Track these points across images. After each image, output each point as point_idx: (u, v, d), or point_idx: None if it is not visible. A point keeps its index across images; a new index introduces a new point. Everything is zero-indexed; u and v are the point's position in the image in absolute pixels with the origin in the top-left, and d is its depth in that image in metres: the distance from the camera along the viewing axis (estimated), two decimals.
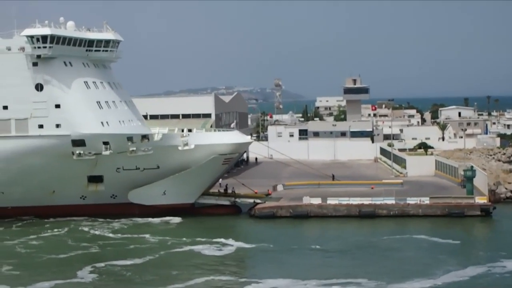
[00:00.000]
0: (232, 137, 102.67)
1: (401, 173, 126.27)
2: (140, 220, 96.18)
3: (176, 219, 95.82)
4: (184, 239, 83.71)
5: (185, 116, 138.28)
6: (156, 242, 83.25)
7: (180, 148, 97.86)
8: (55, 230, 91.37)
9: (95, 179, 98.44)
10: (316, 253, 77.45)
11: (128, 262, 73.86)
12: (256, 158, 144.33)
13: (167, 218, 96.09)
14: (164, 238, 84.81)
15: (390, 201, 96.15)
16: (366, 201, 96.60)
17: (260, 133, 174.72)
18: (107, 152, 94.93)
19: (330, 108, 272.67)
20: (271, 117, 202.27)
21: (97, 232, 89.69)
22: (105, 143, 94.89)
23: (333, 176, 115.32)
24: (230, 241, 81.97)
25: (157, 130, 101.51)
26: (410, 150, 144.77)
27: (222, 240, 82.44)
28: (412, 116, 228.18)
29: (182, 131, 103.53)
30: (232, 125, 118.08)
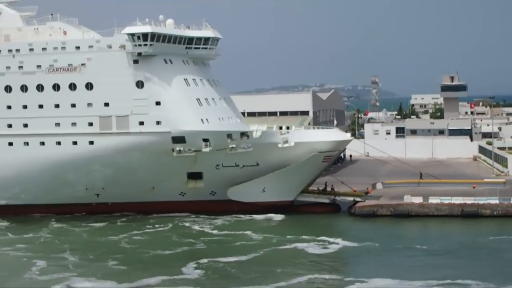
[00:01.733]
0: (332, 135, 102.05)
1: (502, 172, 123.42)
2: (242, 217, 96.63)
3: (279, 216, 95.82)
4: (288, 236, 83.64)
5: (283, 113, 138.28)
6: (260, 239, 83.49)
7: (279, 145, 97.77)
8: (159, 226, 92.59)
9: (195, 176, 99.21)
10: (421, 253, 76.23)
11: (232, 259, 74.20)
12: (350, 156, 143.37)
13: (270, 215, 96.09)
14: (268, 235, 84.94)
15: (494, 200, 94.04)
16: (468, 200, 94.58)
17: (355, 130, 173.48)
18: (207, 149, 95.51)
19: (425, 106, 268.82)
20: (367, 114, 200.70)
21: (200, 229, 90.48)
22: (205, 140, 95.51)
23: (421, 174, 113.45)
24: (334, 239, 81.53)
25: (256, 128, 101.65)
26: (510, 148, 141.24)
27: (326, 238, 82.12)
28: (511, 114, 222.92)
29: (280, 128, 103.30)
30: (334, 123, 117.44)
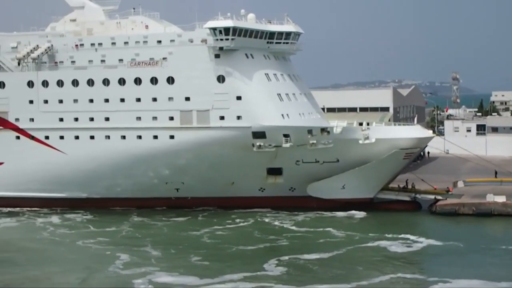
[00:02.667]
0: (414, 132, 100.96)
1: None
2: (323, 213, 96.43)
3: (360, 214, 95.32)
4: (370, 234, 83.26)
5: (363, 109, 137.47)
6: (342, 237, 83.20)
7: (360, 141, 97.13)
8: (240, 221, 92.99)
9: (274, 172, 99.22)
10: (506, 253, 75.01)
11: (313, 256, 74.04)
12: (428, 153, 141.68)
13: (352, 212, 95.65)
14: (350, 232, 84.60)
15: None
16: None
17: (434, 127, 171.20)
18: (287, 145, 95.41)
19: (506, 103, 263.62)
20: (447, 111, 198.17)
21: (281, 224, 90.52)
22: (286, 136, 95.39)
23: (496, 172, 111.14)
24: (417, 238, 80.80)
25: (336, 123, 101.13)
26: None
27: (409, 236, 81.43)
28: None
29: (360, 124, 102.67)
30: (415, 120, 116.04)
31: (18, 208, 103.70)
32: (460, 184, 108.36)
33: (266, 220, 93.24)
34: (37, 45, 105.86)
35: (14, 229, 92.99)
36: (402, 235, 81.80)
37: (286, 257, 73.74)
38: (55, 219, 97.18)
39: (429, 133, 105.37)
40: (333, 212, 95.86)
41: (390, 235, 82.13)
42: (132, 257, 74.97)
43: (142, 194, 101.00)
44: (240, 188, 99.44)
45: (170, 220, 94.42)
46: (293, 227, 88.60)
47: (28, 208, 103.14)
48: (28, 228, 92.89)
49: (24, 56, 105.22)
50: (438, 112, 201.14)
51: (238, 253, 76.87)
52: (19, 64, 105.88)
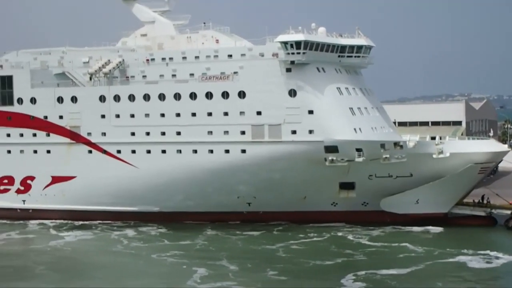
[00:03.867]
0: (489, 146, 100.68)
1: None
2: (398, 228, 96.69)
3: (437, 229, 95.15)
4: (448, 249, 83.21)
5: (435, 123, 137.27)
6: (419, 252, 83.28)
7: (434, 156, 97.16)
8: (314, 235, 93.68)
9: (347, 186, 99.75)
10: None
11: (391, 272, 74.30)
12: (496, 167, 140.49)
13: (428, 227, 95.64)
14: (427, 248, 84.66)
15: None
16: None
17: (505, 141, 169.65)
18: (360, 159, 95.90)
19: None
20: None
21: (356, 239, 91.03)
22: (358, 150, 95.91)
23: None
24: (496, 254, 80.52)
25: (408, 137, 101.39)
26: None
27: (487, 252, 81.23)
28: None
29: (433, 138, 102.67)
30: (490, 134, 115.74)
31: (88, 222, 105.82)
32: None
33: (341, 234, 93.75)
34: (109, 60, 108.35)
35: (89, 241, 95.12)
36: (481, 251, 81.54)
37: (363, 272, 74.09)
38: (129, 232, 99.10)
39: (504, 147, 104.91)
40: (409, 227, 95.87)
41: (468, 251, 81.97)
42: (209, 271, 76.04)
43: (214, 208, 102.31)
44: (312, 202, 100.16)
45: (244, 234, 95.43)
46: (369, 242, 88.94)
47: (100, 221, 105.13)
48: (103, 241, 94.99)
49: (96, 71, 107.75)
50: (509, 126, 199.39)
51: (314, 268, 77.45)
52: (90, 79, 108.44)
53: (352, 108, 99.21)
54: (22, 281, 76.32)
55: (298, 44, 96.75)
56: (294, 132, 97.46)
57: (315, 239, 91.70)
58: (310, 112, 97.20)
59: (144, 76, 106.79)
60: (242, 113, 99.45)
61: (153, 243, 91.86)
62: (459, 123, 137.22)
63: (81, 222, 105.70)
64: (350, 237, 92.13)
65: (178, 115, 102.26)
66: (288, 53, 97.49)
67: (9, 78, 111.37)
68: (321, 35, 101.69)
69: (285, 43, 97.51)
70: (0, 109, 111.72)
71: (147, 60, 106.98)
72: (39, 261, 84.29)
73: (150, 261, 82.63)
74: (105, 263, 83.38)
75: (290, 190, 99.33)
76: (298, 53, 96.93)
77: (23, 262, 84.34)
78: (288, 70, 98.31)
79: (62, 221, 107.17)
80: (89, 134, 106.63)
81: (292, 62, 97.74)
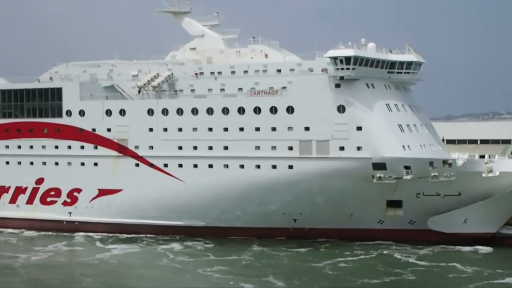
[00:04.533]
0: None
1: None
2: (446, 247, 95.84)
3: (486, 249, 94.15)
4: (498, 270, 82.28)
5: (484, 141, 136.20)
6: (469, 272, 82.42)
7: (483, 175, 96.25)
8: (361, 253, 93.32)
9: (394, 204, 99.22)
10: None
11: None
12: None
13: (477, 247, 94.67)
14: (477, 268, 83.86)
15: None
16: None
17: None
18: (408, 177, 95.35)
19: None
20: None
21: (404, 258, 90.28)
22: (407, 168, 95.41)
23: None
24: None
25: (457, 155, 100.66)
26: None
27: None
28: None
29: (482, 157, 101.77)
30: None
31: (134, 235, 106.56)
32: None
33: (388, 252, 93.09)
34: (158, 73, 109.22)
35: (135, 255, 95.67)
36: None
37: None
38: (175, 246, 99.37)
39: None
40: (457, 247, 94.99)
41: None
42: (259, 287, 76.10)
43: (259, 224, 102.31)
44: (359, 220, 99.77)
45: (290, 250, 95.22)
46: (417, 261, 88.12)
47: (145, 235, 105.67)
48: (149, 255, 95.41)
49: (144, 84, 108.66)
50: None
51: (362, 286, 77.16)
52: (139, 92, 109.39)
53: (401, 125, 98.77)
54: None
55: (348, 59, 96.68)
56: (342, 148, 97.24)
57: (362, 257, 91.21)
58: (359, 128, 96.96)
59: (193, 90, 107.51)
60: (290, 128, 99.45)
61: (199, 258, 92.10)
62: (508, 141, 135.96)
63: (126, 235, 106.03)
64: (397, 255, 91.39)
65: (225, 129, 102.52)
66: (338, 69, 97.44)
67: (59, 90, 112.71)
68: (370, 51, 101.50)
69: (334, 58, 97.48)
70: (49, 121, 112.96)
71: (196, 74, 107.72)
72: (86, 273, 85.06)
73: (196, 276, 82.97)
74: (151, 277, 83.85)
75: (337, 207, 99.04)
76: (348, 68, 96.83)
77: (70, 274, 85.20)
78: (337, 85, 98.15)
79: (107, 234, 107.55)
80: (136, 147, 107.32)
81: (342, 78, 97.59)
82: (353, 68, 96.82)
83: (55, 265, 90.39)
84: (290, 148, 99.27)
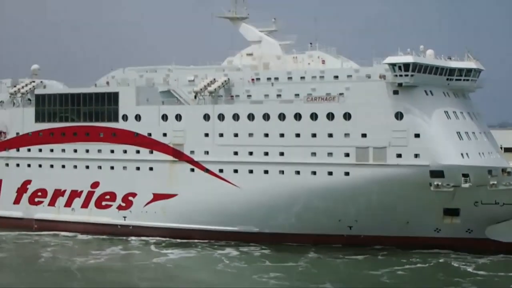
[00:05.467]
0: None
1: None
2: (506, 257, 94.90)
3: None
4: None
5: None
6: None
7: None
8: (418, 261, 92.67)
9: (452, 212, 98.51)
10: None
11: None
12: None
13: None
14: None
15: None
16: None
17: None
18: (466, 185, 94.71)
19: None
20: None
21: (463, 267, 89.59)
22: (465, 176, 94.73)
23: None
24: None
25: None
26: None
27: None
28: None
29: None
30: None
31: (187, 240, 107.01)
32: None
33: (446, 261, 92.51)
34: (214, 79, 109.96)
35: (191, 259, 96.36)
36: None
37: None
38: (230, 251, 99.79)
39: None
40: None
41: None
42: None
43: (314, 230, 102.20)
44: (415, 227, 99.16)
45: (347, 257, 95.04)
46: (476, 270, 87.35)
47: (199, 240, 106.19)
48: (204, 259, 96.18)
49: (201, 89, 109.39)
50: None
51: None
52: (195, 97, 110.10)
53: (459, 133, 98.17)
54: None
55: (406, 66, 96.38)
56: (399, 155, 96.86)
57: (420, 265, 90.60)
58: (417, 135, 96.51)
59: (249, 96, 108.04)
60: (346, 135, 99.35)
61: (255, 264, 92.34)
62: None
63: (179, 240, 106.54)
64: (456, 264, 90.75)
65: (282, 135, 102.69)
66: (396, 75, 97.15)
67: (115, 95, 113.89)
68: (429, 58, 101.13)
69: (393, 65, 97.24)
70: (105, 125, 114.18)
71: (253, 79, 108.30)
72: (143, 277, 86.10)
73: (252, 282, 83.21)
74: (208, 282, 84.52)
75: (393, 214, 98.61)
76: (406, 75, 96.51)
77: (128, 278, 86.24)
78: (395, 92, 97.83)
79: (161, 238, 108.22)
80: (192, 152, 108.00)
81: (400, 85, 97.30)
82: (412, 75, 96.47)
83: (112, 268, 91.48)
84: (347, 155, 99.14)
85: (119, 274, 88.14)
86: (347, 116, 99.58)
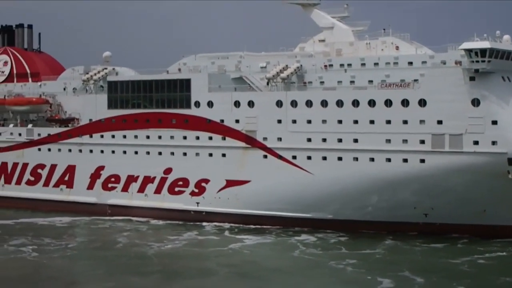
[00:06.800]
0: None
1: None
2: None
3: None
4: None
5: None
6: None
7: None
8: (499, 250, 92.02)
9: None
10: None
11: None
12: None
13: None
14: None
15: None
16: None
17: None
18: None
19: None
20: None
21: None
22: None
23: None
24: None
25: None
26: None
27: None
28: None
29: None
30: None
31: (260, 226, 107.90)
32: None
33: None
34: (286, 65, 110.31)
35: (267, 245, 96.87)
36: None
37: None
38: (306, 237, 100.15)
39: None
40: None
41: None
42: (395, 283, 76.23)
43: (389, 218, 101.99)
44: (492, 216, 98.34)
45: (424, 245, 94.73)
46: None
47: (271, 226, 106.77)
48: (280, 246, 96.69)
49: (273, 76, 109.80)
50: None
51: (506, 285, 76.28)
52: (268, 83, 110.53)
53: None
54: (208, 282, 79.47)
55: (483, 52, 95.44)
56: (476, 142, 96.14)
57: (500, 253, 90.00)
58: (494, 122, 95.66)
59: (322, 82, 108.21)
60: (422, 121, 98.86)
61: (331, 251, 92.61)
62: None
63: (252, 226, 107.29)
64: None
65: (355, 122, 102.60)
66: (472, 61, 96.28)
67: (187, 82, 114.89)
68: (505, 43, 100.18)
69: (469, 50, 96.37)
70: (178, 111, 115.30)
71: (325, 66, 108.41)
72: (221, 263, 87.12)
73: (330, 269, 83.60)
74: (286, 269, 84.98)
75: (469, 202, 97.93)
76: (483, 61, 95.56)
77: (205, 264, 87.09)
78: (472, 78, 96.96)
79: (233, 224, 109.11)
80: (264, 139, 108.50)
81: (476, 71, 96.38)
82: (489, 61, 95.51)
83: (189, 254, 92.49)
84: (422, 142, 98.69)
85: (196, 260, 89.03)
86: (422, 103, 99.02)
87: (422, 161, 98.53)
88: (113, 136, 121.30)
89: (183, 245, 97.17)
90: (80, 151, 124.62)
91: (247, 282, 79.56)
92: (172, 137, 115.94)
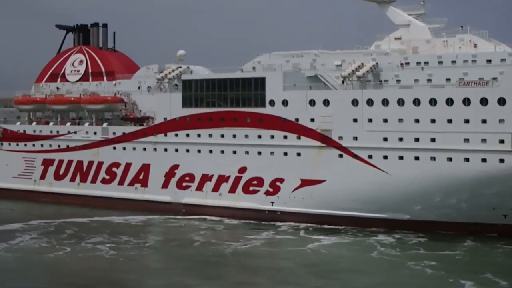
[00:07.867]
0: None
1: None
2: None
3: None
4: None
5: None
6: None
7: None
8: None
9: None
10: None
11: None
12: None
13: None
14: None
15: None
16: None
17: None
18: None
19: None
20: None
21: None
22: None
23: None
24: None
25: None
26: None
27: None
28: None
29: None
30: None
31: (335, 226, 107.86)
32: None
33: None
34: (362, 63, 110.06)
35: (344, 246, 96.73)
36: None
37: None
38: (383, 238, 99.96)
39: None
40: None
41: None
42: (480, 286, 75.62)
43: (466, 219, 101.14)
44: None
45: (505, 247, 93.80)
46: None
47: (347, 226, 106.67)
48: (358, 246, 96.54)
49: (349, 74, 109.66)
50: None
51: None
52: (343, 82, 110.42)
53: None
54: (288, 281, 79.92)
55: None
56: None
57: None
58: None
59: (398, 81, 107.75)
60: (501, 120, 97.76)
61: (410, 251, 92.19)
62: None
63: (327, 226, 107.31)
64: None
65: (433, 121, 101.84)
66: None
67: (262, 80, 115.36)
68: None
69: None
70: (252, 110, 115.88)
71: (402, 64, 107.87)
72: (300, 262, 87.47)
73: (409, 270, 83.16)
74: (365, 269, 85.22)
75: None
76: None
77: (285, 263, 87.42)
78: None
79: (308, 224, 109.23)
80: (340, 138, 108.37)
81: None
82: None
83: (267, 253, 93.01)
84: (501, 141, 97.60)
85: (274, 259, 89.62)
86: (501, 101, 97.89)
87: (502, 161, 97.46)
88: (187, 135, 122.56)
89: (261, 245, 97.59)
90: (155, 149, 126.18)
91: (327, 282, 79.66)
92: (246, 136, 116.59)
